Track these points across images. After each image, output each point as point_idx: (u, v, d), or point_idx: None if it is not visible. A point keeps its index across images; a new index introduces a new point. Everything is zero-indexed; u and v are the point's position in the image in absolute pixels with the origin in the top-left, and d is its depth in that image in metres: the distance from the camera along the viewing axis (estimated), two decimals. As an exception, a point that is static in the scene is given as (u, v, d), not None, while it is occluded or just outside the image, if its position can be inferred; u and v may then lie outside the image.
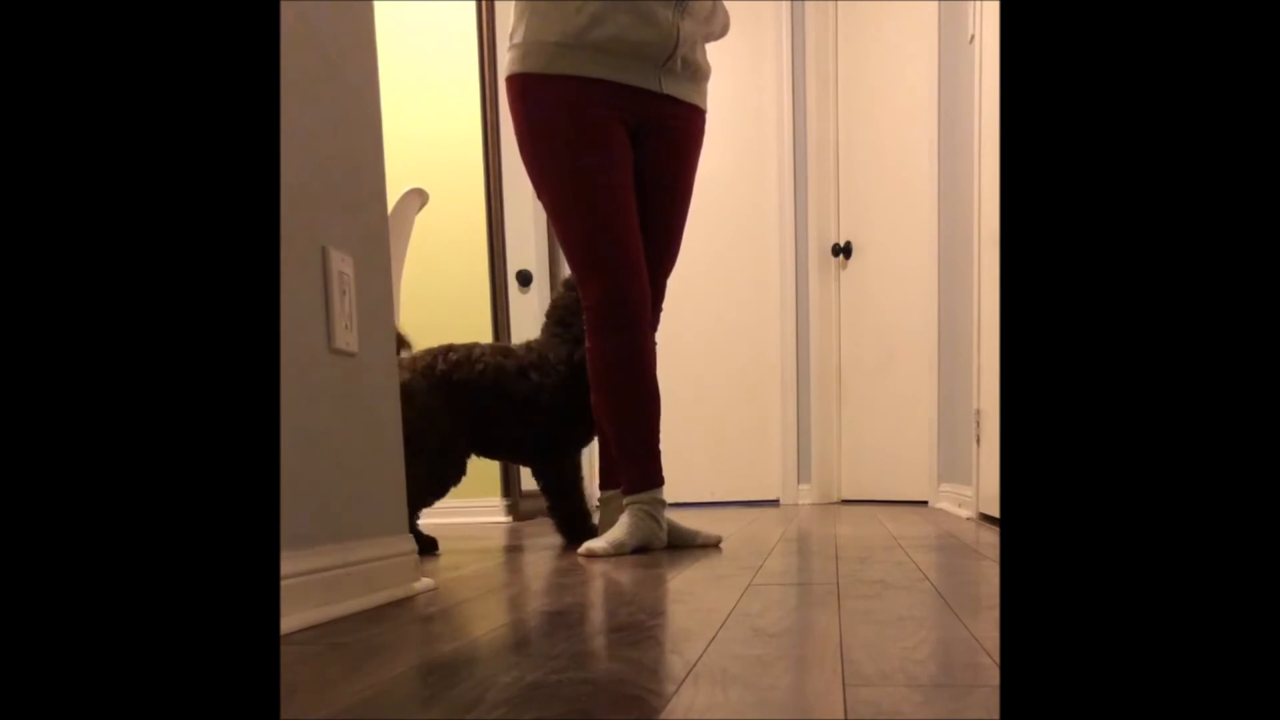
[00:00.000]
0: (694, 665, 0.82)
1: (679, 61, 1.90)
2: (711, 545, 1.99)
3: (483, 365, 2.09)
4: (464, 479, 3.41)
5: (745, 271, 4.01)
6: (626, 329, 1.89)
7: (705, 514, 3.26)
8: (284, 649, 0.95)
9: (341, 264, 1.23)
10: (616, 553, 1.84)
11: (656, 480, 1.95)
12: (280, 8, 1.08)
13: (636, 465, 1.93)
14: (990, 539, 2.00)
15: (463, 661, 0.88)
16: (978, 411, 2.64)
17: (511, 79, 1.87)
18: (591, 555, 1.83)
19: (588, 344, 1.96)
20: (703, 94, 2.02)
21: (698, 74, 1.97)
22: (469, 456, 2.18)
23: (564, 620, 1.10)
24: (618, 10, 1.80)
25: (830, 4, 3.90)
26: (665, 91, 1.91)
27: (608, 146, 1.85)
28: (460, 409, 2.08)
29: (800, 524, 2.53)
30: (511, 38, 1.87)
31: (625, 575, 1.54)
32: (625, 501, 1.94)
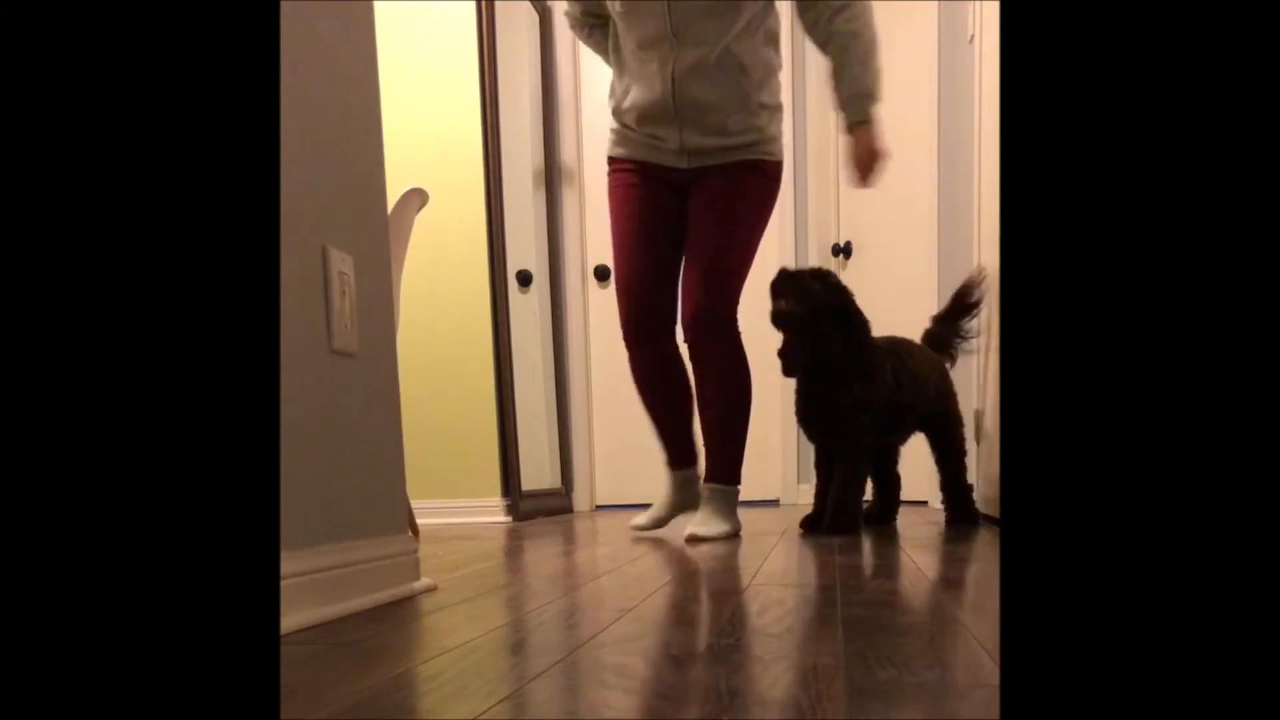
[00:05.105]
0: (693, 666, 0.82)
1: (700, 147, 2.22)
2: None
3: None
4: (464, 479, 3.42)
5: (745, 271, 4.00)
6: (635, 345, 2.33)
7: (705, 514, 3.25)
8: (284, 649, 0.95)
9: (341, 264, 1.23)
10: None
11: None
12: (280, 8, 1.08)
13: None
14: (990, 539, 2.00)
15: (463, 661, 0.88)
16: (977, 412, 2.64)
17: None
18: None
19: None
20: (750, 150, 2.23)
21: (731, 150, 2.22)
22: None
23: (563, 620, 1.10)
24: (647, 132, 2.25)
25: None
26: (690, 167, 2.25)
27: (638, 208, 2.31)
28: None
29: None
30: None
31: (623, 576, 1.54)
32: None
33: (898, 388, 2.30)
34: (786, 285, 2.24)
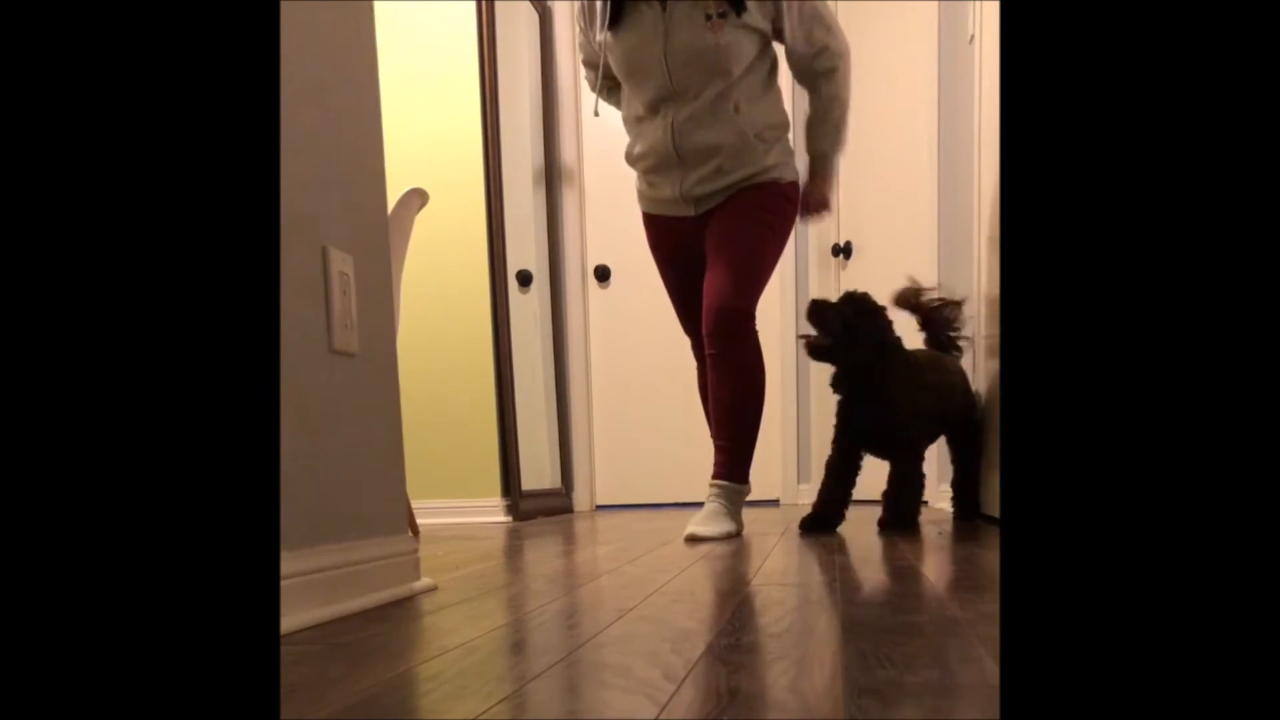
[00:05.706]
0: (693, 666, 0.82)
1: (700, 194, 2.35)
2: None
3: None
4: (464, 479, 3.44)
5: (745, 271, 4.00)
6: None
7: (705, 514, 3.24)
8: (284, 649, 0.95)
9: (341, 264, 1.23)
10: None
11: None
12: (280, 8, 1.08)
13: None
14: (990, 539, 2.00)
15: (463, 661, 0.88)
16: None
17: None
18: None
19: None
20: (750, 179, 2.32)
21: (729, 188, 2.33)
22: None
23: (563, 620, 1.10)
24: (650, 182, 2.44)
25: (829, 4, 3.89)
26: (698, 213, 2.39)
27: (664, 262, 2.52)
28: None
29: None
30: None
31: (623, 576, 1.54)
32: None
33: (935, 396, 2.39)
34: (815, 316, 2.30)
